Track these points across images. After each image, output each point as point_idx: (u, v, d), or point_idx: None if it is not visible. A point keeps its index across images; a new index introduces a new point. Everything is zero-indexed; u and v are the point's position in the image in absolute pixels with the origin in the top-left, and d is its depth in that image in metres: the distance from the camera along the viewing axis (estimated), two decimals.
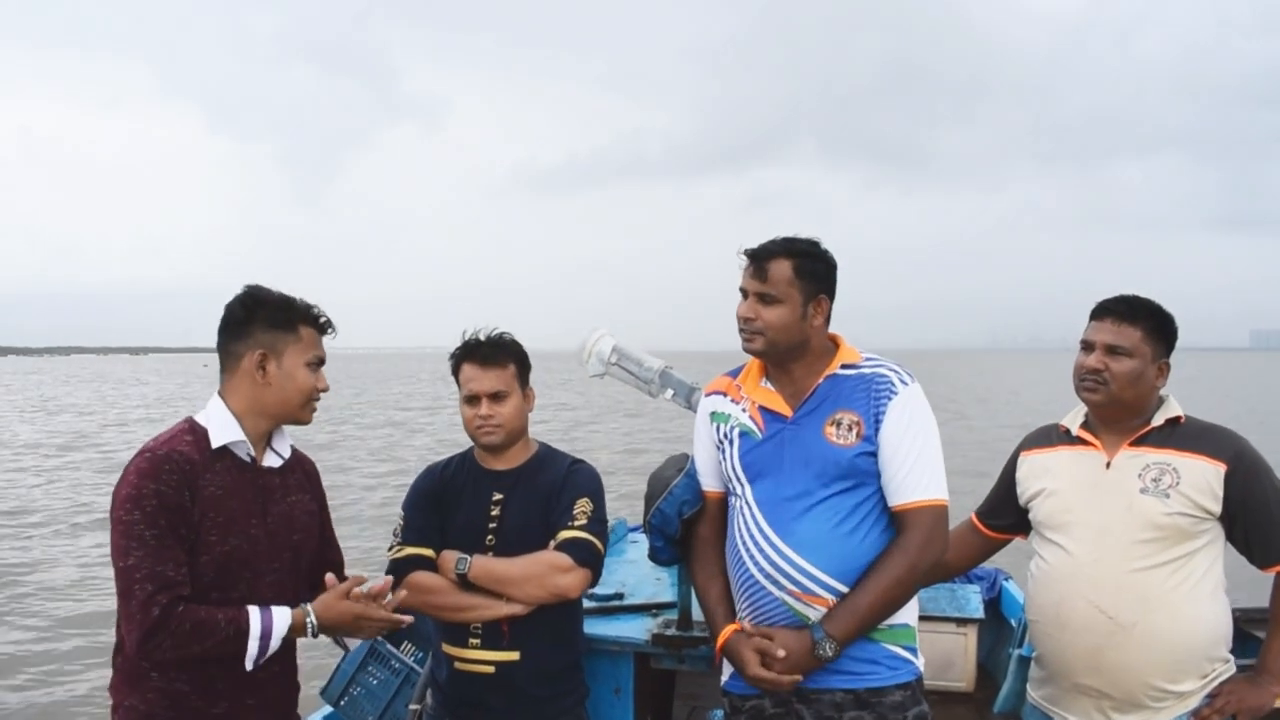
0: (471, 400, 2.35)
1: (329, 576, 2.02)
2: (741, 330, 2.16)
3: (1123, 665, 2.14)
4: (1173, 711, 2.14)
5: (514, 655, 2.27)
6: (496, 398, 2.33)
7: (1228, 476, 2.12)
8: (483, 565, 2.26)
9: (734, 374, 2.31)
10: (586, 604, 2.88)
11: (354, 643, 2.16)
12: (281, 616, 1.94)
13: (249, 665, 1.92)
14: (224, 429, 2.00)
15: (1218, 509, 2.13)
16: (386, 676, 2.94)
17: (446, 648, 2.34)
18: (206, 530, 1.91)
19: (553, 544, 2.27)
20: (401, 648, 3.08)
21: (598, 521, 2.32)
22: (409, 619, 2.10)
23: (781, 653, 2.02)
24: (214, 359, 2.11)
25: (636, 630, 2.72)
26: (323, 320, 2.12)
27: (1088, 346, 2.27)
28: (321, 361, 2.11)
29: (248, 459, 2.03)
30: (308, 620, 1.96)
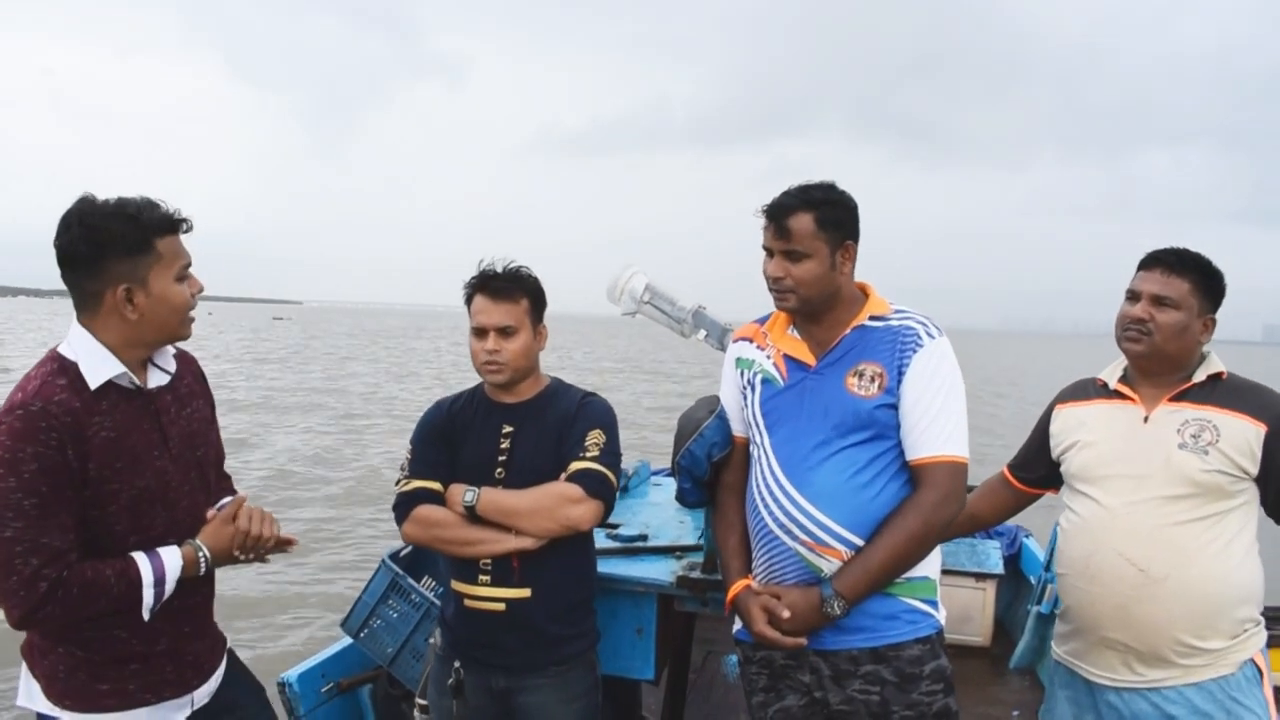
0: (479, 333, 2.27)
1: (210, 511, 1.93)
2: (772, 289, 2.11)
3: (1152, 619, 2.11)
4: (1202, 673, 2.11)
5: (525, 592, 2.22)
6: (505, 333, 2.24)
7: (1268, 438, 2.08)
8: (491, 497, 2.20)
9: (762, 321, 2.28)
10: (610, 545, 2.87)
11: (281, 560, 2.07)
12: (171, 558, 1.83)
13: (145, 615, 1.80)
14: (99, 365, 1.78)
15: (1255, 470, 2.09)
16: (406, 610, 2.95)
17: (456, 585, 2.29)
18: (108, 479, 1.75)
19: (564, 475, 2.21)
20: (422, 582, 3.08)
21: (610, 454, 2.25)
22: (296, 539, 2.03)
23: (786, 614, 2.00)
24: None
25: (661, 572, 2.70)
26: (176, 219, 1.84)
27: (1133, 296, 2.22)
28: (188, 266, 1.87)
29: (133, 388, 1.84)
30: (199, 556, 1.87)
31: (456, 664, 2.29)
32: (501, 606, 2.23)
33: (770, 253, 2.10)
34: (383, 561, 3.01)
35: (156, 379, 1.92)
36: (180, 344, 2.00)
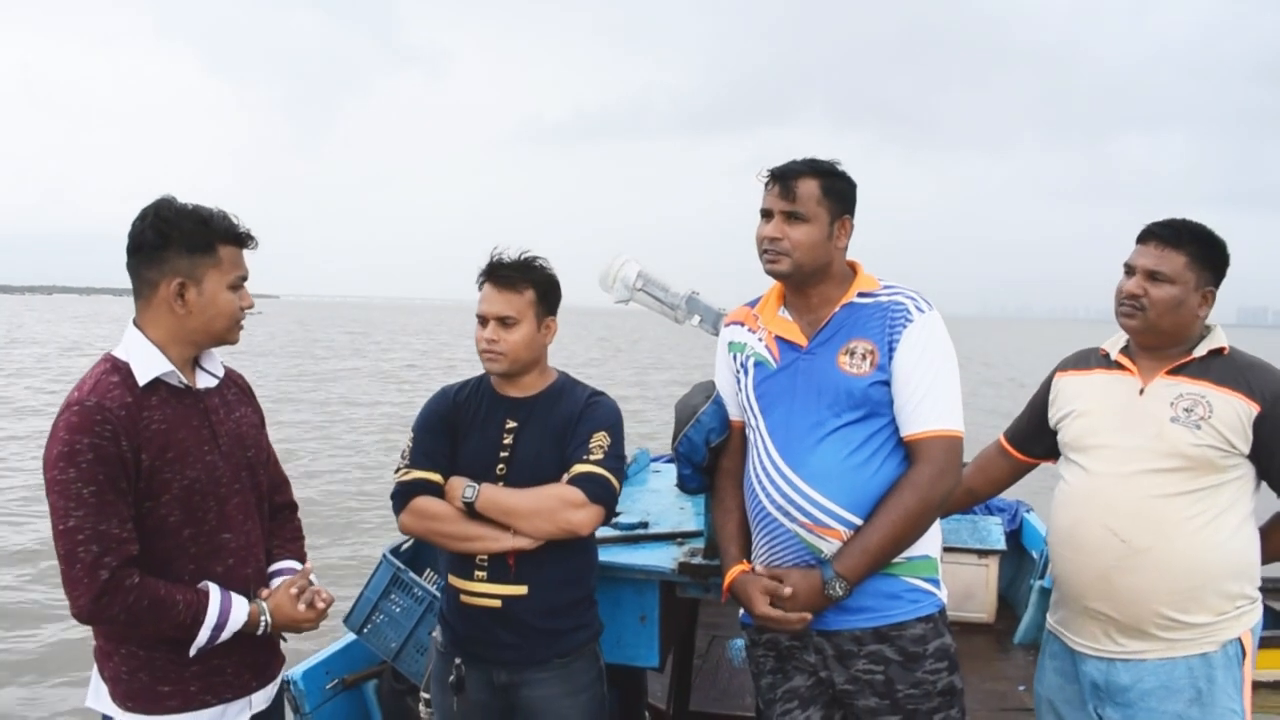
0: (482, 321, 2.26)
1: (269, 589, 2.00)
2: (765, 252, 2.09)
3: (1133, 590, 2.10)
4: (1184, 648, 2.09)
5: (521, 589, 2.19)
6: (504, 322, 2.22)
7: (1259, 419, 2.06)
8: (491, 495, 2.17)
9: (752, 304, 2.27)
10: (611, 533, 2.86)
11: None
12: (239, 611, 1.90)
13: (192, 651, 1.86)
14: (149, 362, 1.86)
15: (1246, 448, 2.08)
16: (409, 604, 2.94)
17: (453, 580, 2.28)
18: (160, 470, 1.83)
19: (566, 477, 2.18)
20: (424, 575, 3.08)
21: (615, 457, 2.21)
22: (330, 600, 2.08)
23: (788, 591, 2.00)
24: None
25: (662, 559, 2.70)
26: (243, 234, 1.95)
27: (1129, 270, 2.19)
28: (244, 279, 1.96)
29: (182, 386, 1.92)
30: (262, 618, 1.94)
31: (457, 660, 2.28)
32: (497, 603, 2.20)
33: (768, 216, 2.09)
34: (384, 556, 3.01)
35: (204, 381, 2.00)
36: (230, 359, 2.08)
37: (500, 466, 2.23)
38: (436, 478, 2.24)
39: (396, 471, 2.29)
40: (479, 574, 2.22)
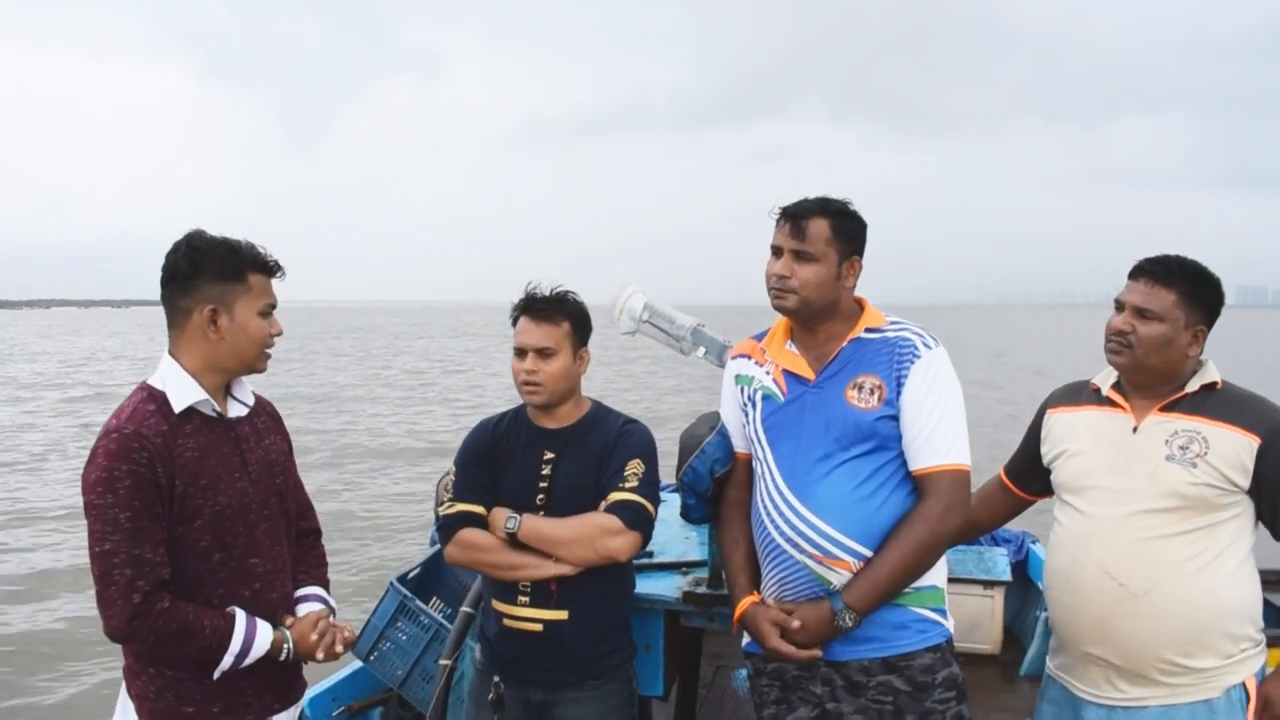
0: (520, 353, 2.34)
1: (297, 616, 2.08)
2: (774, 289, 2.13)
3: (1132, 635, 2.07)
4: (1188, 694, 2.05)
5: (562, 615, 2.27)
6: (543, 354, 2.30)
7: (1261, 451, 2.03)
8: (532, 525, 2.25)
9: (759, 337, 2.30)
10: None
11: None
12: (263, 638, 1.96)
13: (216, 675, 1.92)
14: (184, 391, 1.94)
15: (1246, 483, 2.05)
16: (416, 632, 2.96)
17: (496, 604, 2.35)
18: (193, 495, 1.90)
19: (603, 505, 2.25)
20: (430, 603, 3.09)
21: (649, 484, 2.29)
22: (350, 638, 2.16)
23: (797, 624, 2.03)
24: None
25: (667, 588, 2.71)
26: (271, 263, 2.03)
27: (1119, 306, 2.19)
28: (273, 307, 2.04)
29: (214, 414, 2.00)
30: (285, 645, 2.00)
31: (496, 679, 2.35)
32: (539, 627, 2.28)
33: (778, 252, 2.12)
34: (391, 584, 3.03)
35: (236, 410, 2.07)
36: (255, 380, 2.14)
37: (540, 497, 2.31)
38: (480, 510, 2.33)
39: (442, 505, 2.39)
40: (522, 599, 2.29)
